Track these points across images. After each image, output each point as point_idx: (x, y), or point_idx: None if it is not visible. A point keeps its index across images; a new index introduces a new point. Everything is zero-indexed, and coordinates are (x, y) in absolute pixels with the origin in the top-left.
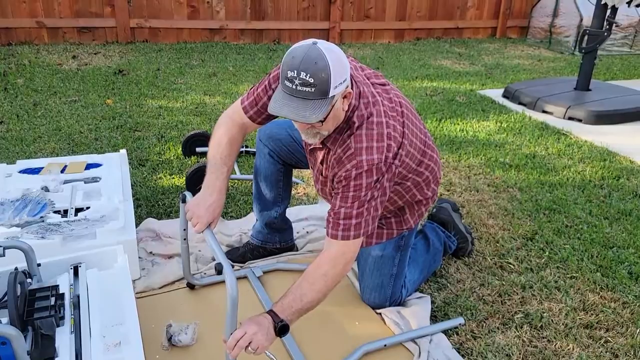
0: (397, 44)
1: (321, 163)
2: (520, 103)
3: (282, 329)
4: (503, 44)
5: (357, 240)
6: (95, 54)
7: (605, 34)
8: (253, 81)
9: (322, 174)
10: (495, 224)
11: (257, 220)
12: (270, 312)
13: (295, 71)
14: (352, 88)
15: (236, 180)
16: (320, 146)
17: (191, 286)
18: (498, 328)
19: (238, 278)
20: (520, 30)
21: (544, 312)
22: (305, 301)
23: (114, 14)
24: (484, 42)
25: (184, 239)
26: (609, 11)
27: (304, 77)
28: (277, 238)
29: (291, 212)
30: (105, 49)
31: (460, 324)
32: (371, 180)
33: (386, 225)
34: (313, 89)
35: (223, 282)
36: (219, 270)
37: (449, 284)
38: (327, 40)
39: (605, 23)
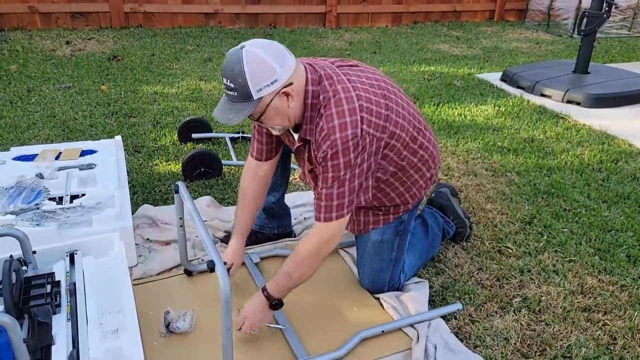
0: (394, 27)
1: (308, 160)
2: (518, 87)
3: (276, 306)
4: (501, 27)
5: (341, 219)
6: (89, 39)
7: (605, 15)
8: None
9: (311, 172)
10: (494, 209)
11: None
12: (264, 291)
13: (222, 77)
14: (308, 75)
15: (233, 167)
16: (301, 143)
17: (189, 272)
18: (496, 312)
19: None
20: (519, 13)
21: (542, 296)
22: (294, 278)
23: None
24: (481, 26)
25: (181, 226)
26: None
27: (226, 83)
28: (274, 224)
29: (289, 198)
30: (99, 34)
31: (458, 310)
32: (349, 158)
33: (383, 210)
34: (235, 93)
35: None
36: (211, 268)
37: (447, 269)
38: (324, 24)
39: (604, 5)
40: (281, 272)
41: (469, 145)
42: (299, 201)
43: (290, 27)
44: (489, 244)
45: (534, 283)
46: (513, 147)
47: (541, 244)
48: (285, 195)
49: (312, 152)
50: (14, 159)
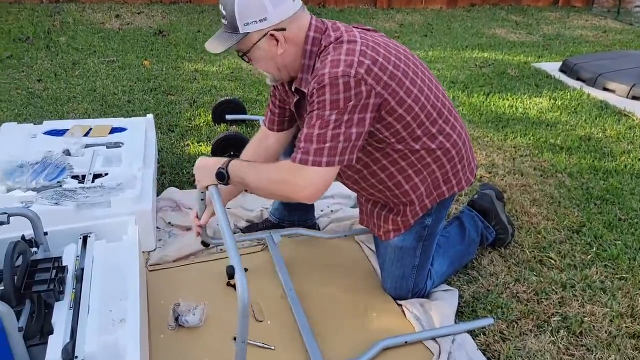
0: (449, 10)
1: (306, 113)
2: (578, 79)
3: (221, 176)
4: (566, 13)
5: (318, 169)
6: (138, 13)
7: None
8: None
9: None
10: (539, 213)
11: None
12: (228, 161)
13: (219, 3)
14: (312, 22)
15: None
16: (297, 98)
17: (206, 245)
18: (531, 331)
19: (257, 241)
20: None
21: (585, 317)
22: (249, 180)
23: None
24: (544, 11)
25: (202, 200)
26: None
27: (221, 9)
28: (295, 217)
29: None
30: (149, 8)
31: (488, 325)
32: (336, 98)
33: (398, 210)
34: (226, 22)
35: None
36: (230, 274)
37: (480, 277)
38: (375, 4)
39: None
40: (250, 163)
41: (518, 141)
42: (327, 192)
43: (339, 7)
44: (530, 252)
45: (577, 301)
46: (567, 146)
47: (589, 256)
48: None
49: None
50: (45, 133)
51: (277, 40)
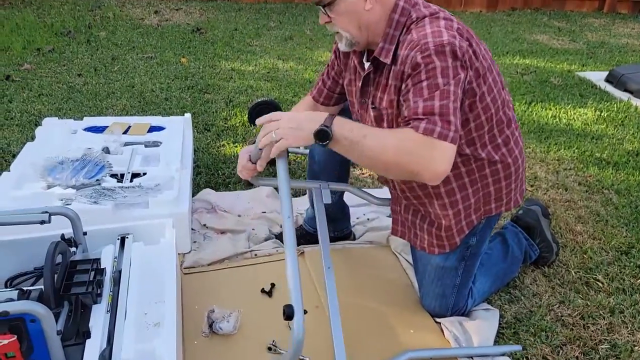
0: (489, 13)
1: (373, 105)
2: (626, 90)
3: (322, 135)
4: (611, 20)
5: (450, 145)
6: (176, 10)
7: None
8: (329, 47)
9: (377, 109)
10: (584, 231)
11: (309, 207)
12: (330, 117)
13: None
14: None
15: (299, 155)
16: (372, 69)
17: (249, 184)
18: (577, 358)
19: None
20: (633, 5)
21: (635, 345)
22: (363, 144)
23: None
24: (588, 17)
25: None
26: None
27: None
28: (330, 227)
29: (352, 196)
30: (187, 5)
31: (516, 351)
32: (446, 64)
33: (437, 224)
34: None
35: (275, 258)
36: (288, 315)
37: (522, 297)
38: None
39: None
40: (364, 125)
41: (562, 154)
42: (363, 200)
43: None
44: (576, 273)
45: (627, 328)
46: (614, 160)
47: (639, 280)
48: (347, 193)
49: (386, 80)
50: (85, 129)
51: None
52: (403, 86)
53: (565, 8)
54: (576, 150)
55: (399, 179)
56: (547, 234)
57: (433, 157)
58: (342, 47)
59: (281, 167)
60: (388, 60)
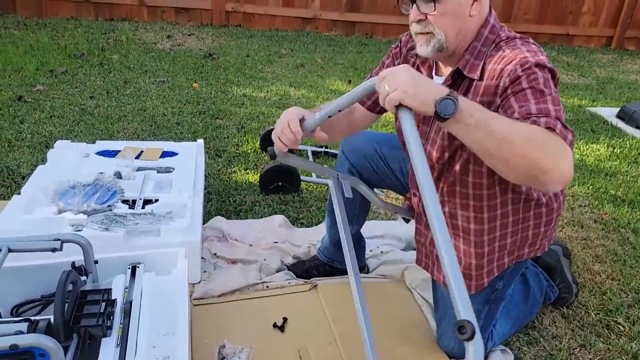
0: None
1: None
2: (638, 127)
3: (446, 104)
4: (619, 56)
5: (567, 145)
6: (189, 35)
7: None
8: (340, 76)
9: (440, 161)
10: (603, 271)
11: (326, 234)
12: (450, 89)
13: None
14: (492, 12)
15: (311, 184)
16: (451, 81)
17: (273, 157)
18: None
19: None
20: None
21: None
22: (493, 124)
23: None
24: (596, 52)
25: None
26: None
27: None
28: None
29: (365, 227)
30: (199, 30)
31: None
32: (548, 77)
33: (474, 267)
34: None
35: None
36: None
37: (542, 339)
38: None
39: None
40: (484, 108)
41: (576, 190)
42: (377, 231)
43: (387, 38)
44: (595, 315)
45: None
46: (629, 198)
47: None
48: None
49: (469, 96)
50: (97, 153)
51: (477, 0)
52: (498, 100)
53: (574, 43)
54: (590, 187)
55: (515, 180)
56: (567, 274)
57: (562, 155)
58: (426, 51)
59: (406, 119)
60: (475, 75)
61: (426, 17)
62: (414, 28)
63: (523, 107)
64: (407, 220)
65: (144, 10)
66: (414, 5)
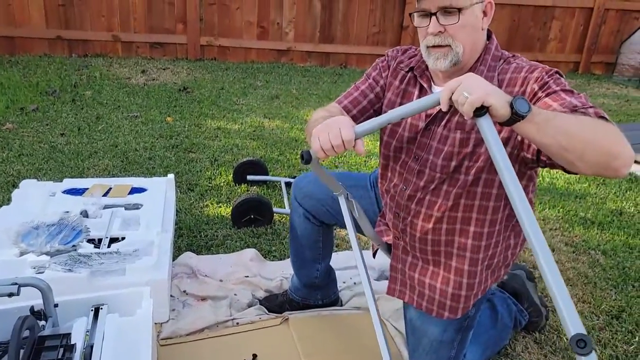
0: None
1: (461, 115)
2: None
3: (522, 103)
4: (586, 81)
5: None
6: (164, 69)
7: None
8: (315, 106)
9: (464, 132)
10: (573, 294)
11: (294, 276)
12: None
13: None
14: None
15: (284, 215)
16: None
17: (308, 160)
18: None
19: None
20: (606, 66)
21: None
22: (559, 120)
23: (185, 30)
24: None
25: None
26: None
27: None
28: (318, 295)
29: (338, 258)
30: (174, 64)
31: None
32: (567, 83)
33: (465, 286)
34: None
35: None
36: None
37: None
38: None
39: None
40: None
41: (547, 213)
42: (350, 262)
43: (361, 68)
44: (567, 339)
45: None
46: (598, 220)
47: (632, 346)
48: (334, 255)
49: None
50: (64, 191)
51: (486, 15)
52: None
53: None
54: (560, 210)
55: (587, 171)
56: (534, 298)
57: (623, 139)
58: (444, 64)
59: (487, 125)
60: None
61: (445, 30)
62: (431, 41)
63: (565, 102)
64: (374, 255)
65: (118, 46)
66: (433, 17)
